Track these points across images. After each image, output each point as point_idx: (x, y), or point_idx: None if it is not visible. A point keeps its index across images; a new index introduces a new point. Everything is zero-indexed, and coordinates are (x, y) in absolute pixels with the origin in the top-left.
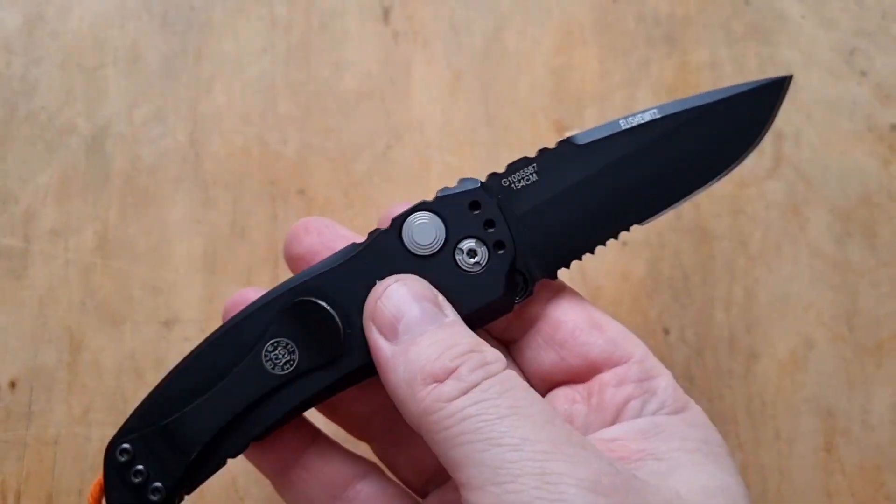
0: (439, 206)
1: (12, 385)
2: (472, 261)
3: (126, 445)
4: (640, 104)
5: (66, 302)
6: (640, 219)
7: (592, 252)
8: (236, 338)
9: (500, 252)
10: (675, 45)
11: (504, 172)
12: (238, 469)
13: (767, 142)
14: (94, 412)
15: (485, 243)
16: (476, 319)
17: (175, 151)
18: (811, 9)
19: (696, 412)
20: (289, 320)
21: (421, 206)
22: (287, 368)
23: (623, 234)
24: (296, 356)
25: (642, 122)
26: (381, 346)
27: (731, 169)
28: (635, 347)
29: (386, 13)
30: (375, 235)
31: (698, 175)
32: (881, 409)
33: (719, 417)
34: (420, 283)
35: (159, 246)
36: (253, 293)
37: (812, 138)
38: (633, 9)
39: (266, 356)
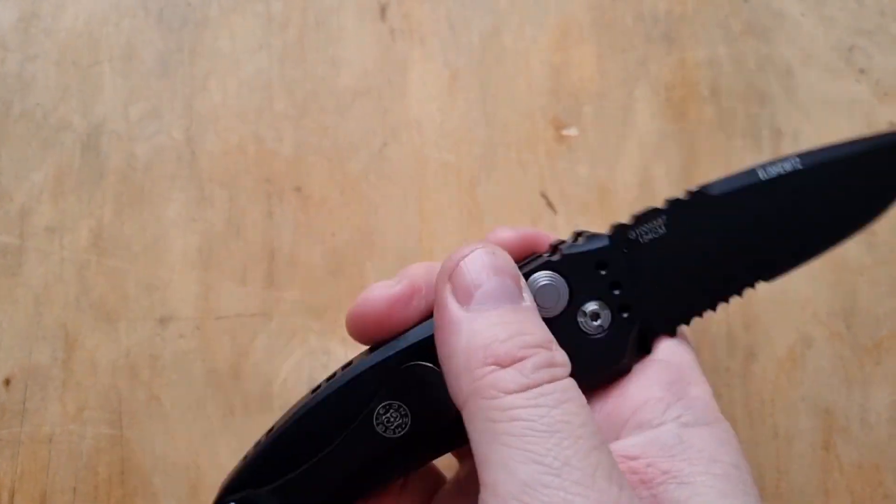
0: (565, 265)
1: (7, 383)
2: (595, 324)
3: None
4: (639, 102)
5: (61, 299)
6: (770, 277)
7: (714, 310)
8: (345, 399)
9: (625, 315)
10: (673, 44)
11: (632, 224)
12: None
13: (766, 139)
14: (88, 410)
15: (609, 306)
16: (591, 383)
17: (170, 149)
18: (810, 7)
19: (726, 428)
20: (400, 383)
21: (545, 265)
22: (399, 432)
23: None
24: (408, 419)
25: (782, 172)
26: (451, 306)
27: (871, 223)
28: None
29: (383, 11)
30: None
31: (837, 230)
32: (879, 408)
33: None
34: (505, 257)
35: (154, 243)
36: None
37: (810, 136)
38: (631, 7)
39: (378, 419)
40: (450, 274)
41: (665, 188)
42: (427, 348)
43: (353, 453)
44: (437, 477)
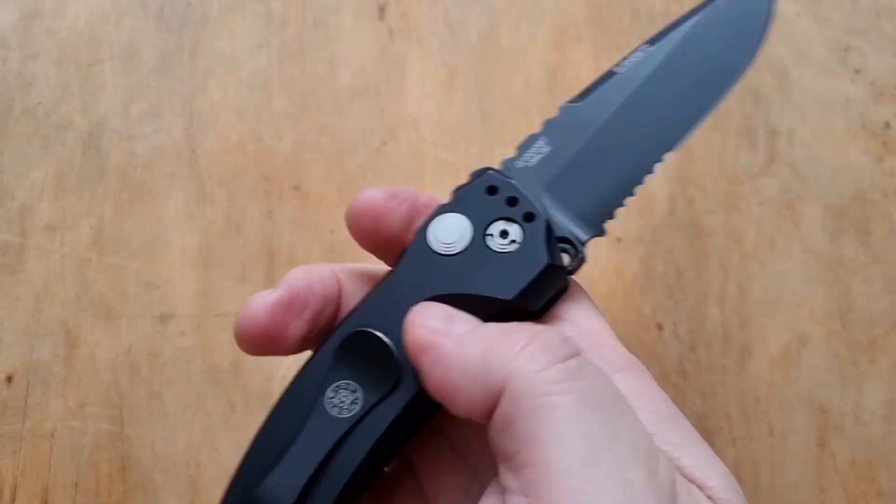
0: (456, 201)
1: (9, 379)
2: (507, 240)
3: None
4: None
5: (62, 297)
6: (666, 148)
7: (633, 194)
8: (300, 395)
9: (532, 223)
10: None
11: (514, 156)
12: (234, 463)
13: (761, 139)
14: (89, 406)
15: (514, 220)
16: (533, 300)
17: (170, 147)
18: (805, 6)
19: (643, 370)
20: (343, 360)
21: (440, 211)
22: (354, 408)
23: (617, 231)
24: (359, 394)
25: (637, 61)
26: (438, 338)
27: (741, 76)
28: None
29: (381, 10)
30: (405, 252)
31: (709, 89)
32: (874, 405)
33: (712, 413)
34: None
35: (154, 241)
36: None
37: (806, 135)
38: (628, 6)
39: (329, 403)
40: (416, 324)
41: (661, 186)
42: (361, 319)
43: (314, 444)
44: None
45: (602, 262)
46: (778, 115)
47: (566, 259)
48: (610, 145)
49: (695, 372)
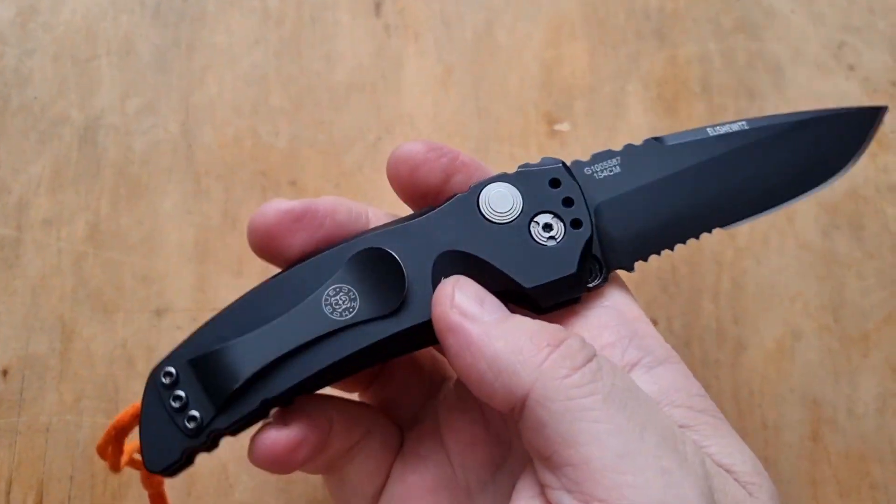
0: (520, 178)
1: (4, 373)
2: (548, 235)
3: (171, 369)
4: (630, 98)
5: (59, 291)
6: (722, 223)
7: (672, 249)
8: (300, 280)
9: (577, 230)
10: (664, 40)
11: (587, 161)
12: (228, 456)
13: None
14: (85, 400)
15: (562, 220)
16: (546, 297)
17: (167, 142)
18: (800, 4)
19: (678, 359)
20: (355, 267)
21: (501, 178)
22: (346, 315)
23: None
24: (356, 304)
25: (730, 131)
26: (467, 324)
27: (816, 190)
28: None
29: (377, 6)
30: (453, 198)
31: (782, 190)
32: (867, 399)
33: None
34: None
35: (151, 236)
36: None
37: None
38: (623, 3)
39: (326, 300)
40: (451, 299)
41: None
42: (389, 239)
43: (296, 329)
44: (399, 440)
45: None
46: (772, 110)
47: (591, 277)
48: (673, 196)
49: (689, 366)
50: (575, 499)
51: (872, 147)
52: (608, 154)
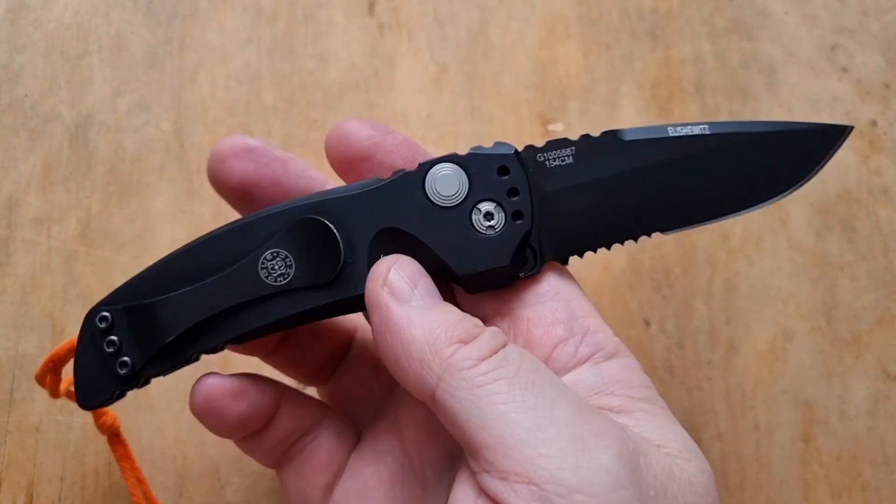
0: (469, 162)
1: None
2: (488, 224)
3: (107, 314)
4: (624, 98)
5: (49, 290)
6: (665, 228)
7: (608, 248)
8: (239, 239)
9: (517, 222)
10: (658, 40)
11: (542, 147)
12: (220, 457)
13: None
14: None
15: (504, 210)
16: (476, 283)
17: (159, 140)
18: (794, 5)
19: (627, 353)
20: (293, 235)
21: (451, 158)
22: (280, 281)
23: None
24: (292, 271)
25: (691, 133)
26: (393, 305)
27: (770, 202)
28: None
29: (371, 5)
30: (399, 175)
31: (735, 200)
32: (858, 401)
33: (699, 408)
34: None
35: (142, 235)
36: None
37: None
38: (617, 4)
39: (263, 264)
40: (384, 278)
41: None
42: (330, 209)
43: (231, 290)
44: (356, 436)
45: (589, 257)
46: (766, 112)
47: (525, 266)
48: (620, 195)
49: (681, 367)
50: (495, 477)
51: (865, 149)
52: (564, 142)
